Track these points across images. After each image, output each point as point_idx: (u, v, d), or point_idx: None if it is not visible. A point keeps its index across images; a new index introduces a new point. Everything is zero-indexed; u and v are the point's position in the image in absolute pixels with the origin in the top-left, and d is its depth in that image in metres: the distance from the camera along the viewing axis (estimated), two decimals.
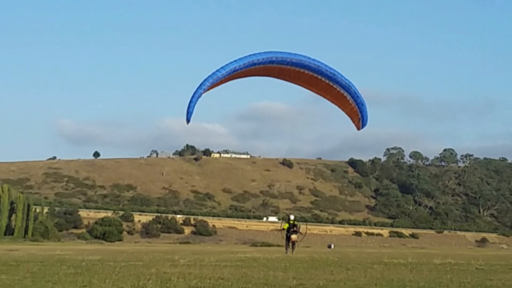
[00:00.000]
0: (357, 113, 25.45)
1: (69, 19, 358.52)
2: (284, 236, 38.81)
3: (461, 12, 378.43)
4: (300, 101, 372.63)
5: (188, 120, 23.17)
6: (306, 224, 41.80)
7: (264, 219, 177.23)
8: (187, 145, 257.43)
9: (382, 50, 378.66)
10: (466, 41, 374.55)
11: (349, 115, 25.90)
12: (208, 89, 23.69)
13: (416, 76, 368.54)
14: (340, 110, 25.96)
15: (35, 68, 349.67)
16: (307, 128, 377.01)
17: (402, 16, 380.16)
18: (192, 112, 23.06)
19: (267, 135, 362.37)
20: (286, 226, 38.52)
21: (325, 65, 24.49)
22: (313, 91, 25.82)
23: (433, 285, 14.56)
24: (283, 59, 24.03)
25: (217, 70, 23.14)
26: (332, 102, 25.85)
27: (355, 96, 25.03)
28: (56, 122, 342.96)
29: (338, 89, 24.86)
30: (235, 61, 23.46)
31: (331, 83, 24.74)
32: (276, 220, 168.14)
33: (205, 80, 23.02)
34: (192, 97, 22.96)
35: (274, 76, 25.47)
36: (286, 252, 37.80)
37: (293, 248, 38.29)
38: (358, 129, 26.06)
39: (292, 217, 39.10)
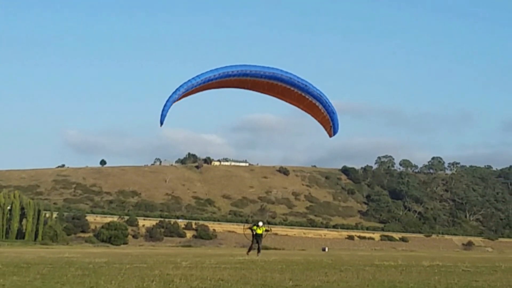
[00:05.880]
0: (328, 121, 25.24)
1: (75, 33, 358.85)
2: (251, 238, 37.12)
3: (439, 29, 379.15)
4: (290, 113, 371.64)
5: (161, 123, 22.82)
6: (270, 228, 41.15)
7: None
8: (189, 153, 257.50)
9: (364, 64, 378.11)
10: (442, 55, 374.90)
11: (321, 123, 25.70)
12: (182, 97, 23.38)
13: (396, 89, 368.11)
14: (313, 119, 25.85)
15: (44, 82, 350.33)
16: (299, 138, 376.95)
17: (384, 32, 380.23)
18: (165, 116, 22.72)
19: (262, 144, 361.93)
20: (260, 230, 37.11)
21: (297, 77, 24.17)
22: (287, 101, 25.44)
23: (422, 286, 14.56)
24: (257, 72, 23.69)
25: (192, 78, 22.80)
26: (305, 111, 25.56)
27: (326, 105, 24.79)
28: (64, 133, 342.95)
29: (310, 99, 24.58)
30: (210, 71, 23.06)
31: (303, 94, 24.46)
32: None
33: (180, 86, 22.71)
34: (167, 101, 22.65)
35: (247, 88, 24.96)
36: (248, 254, 36.04)
37: (259, 249, 36.55)
38: (330, 136, 25.78)
39: (260, 223, 37.76)
